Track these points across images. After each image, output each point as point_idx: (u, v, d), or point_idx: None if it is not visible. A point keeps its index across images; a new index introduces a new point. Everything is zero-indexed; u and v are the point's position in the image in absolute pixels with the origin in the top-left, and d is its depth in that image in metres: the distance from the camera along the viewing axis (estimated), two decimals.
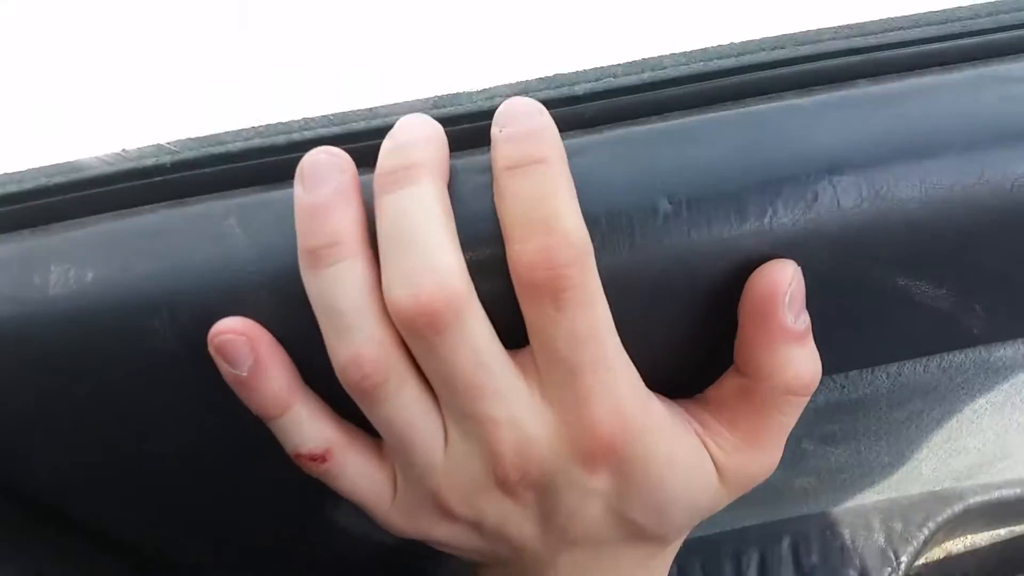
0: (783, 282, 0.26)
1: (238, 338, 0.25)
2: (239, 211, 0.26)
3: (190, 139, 0.28)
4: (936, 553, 0.57)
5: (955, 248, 0.27)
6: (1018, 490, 0.54)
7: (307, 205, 0.24)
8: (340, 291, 0.24)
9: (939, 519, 0.53)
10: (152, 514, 0.32)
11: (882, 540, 0.53)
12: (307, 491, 0.31)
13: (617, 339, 0.26)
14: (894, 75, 0.29)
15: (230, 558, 0.36)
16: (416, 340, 0.24)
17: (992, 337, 0.34)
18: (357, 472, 0.28)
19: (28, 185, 0.27)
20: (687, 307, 0.27)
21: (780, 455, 0.30)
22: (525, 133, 0.25)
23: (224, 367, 0.25)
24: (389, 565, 0.41)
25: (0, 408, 0.26)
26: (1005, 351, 0.37)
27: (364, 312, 0.24)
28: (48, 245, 0.26)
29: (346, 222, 0.25)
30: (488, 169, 0.25)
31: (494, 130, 0.26)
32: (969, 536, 0.58)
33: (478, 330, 0.25)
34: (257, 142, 0.28)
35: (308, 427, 0.27)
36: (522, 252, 0.24)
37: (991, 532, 0.58)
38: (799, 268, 0.26)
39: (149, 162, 0.27)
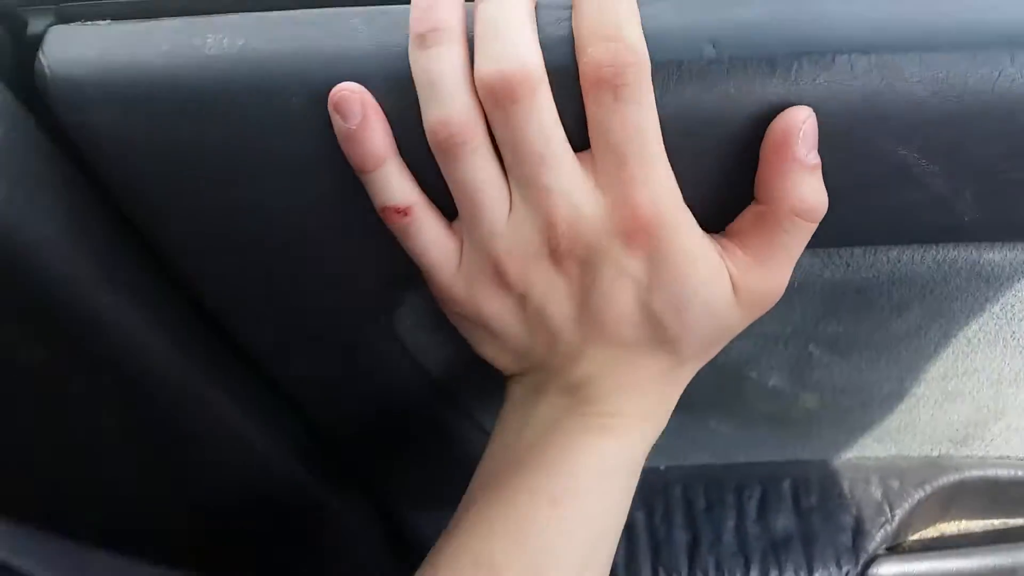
0: (800, 120, 0.31)
1: (352, 95, 0.30)
2: (365, 15, 0.32)
3: None
4: (930, 532, 0.60)
5: (946, 128, 0.32)
6: (1012, 471, 0.57)
7: (425, 4, 0.31)
8: (439, 67, 0.30)
9: (935, 484, 0.56)
10: (244, 275, 0.37)
11: (879, 494, 0.56)
12: (375, 295, 0.37)
13: (662, 144, 0.31)
14: None
15: (304, 346, 0.41)
16: (496, 109, 0.30)
17: (981, 235, 0.39)
18: (431, 234, 0.33)
19: None
20: (717, 144, 0.32)
21: (787, 279, 0.34)
22: None
23: (338, 122, 0.31)
24: (436, 399, 0.46)
25: (147, 148, 0.32)
26: (994, 255, 0.42)
27: (456, 84, 0.30)
28: (208, 21, 0.32)
29: (450, 14, 0.30)
30: (564, 7, 0.31)
31: None
32: (964, 520, 0.60)
33: (546, 109, 0.30)
34: None
35: (396, 183, 0.32)
36: (593, 54, 0.29)
37: (986, 521, 0.60)
38: (814, 113, 0.31)
39: None
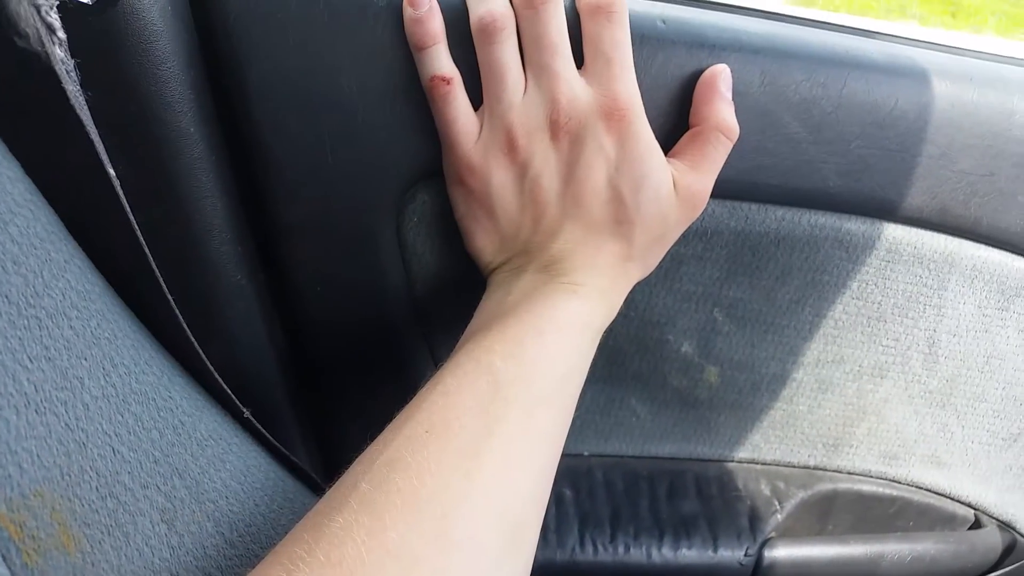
0: (720, 69, 0.46)
1: None
2: None
3: None
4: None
5: (816, 108, 0.48)
6: (875, 487, 0.67)
7: None
8: None
9: (814, 489, 0.65)
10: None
11: (768, 491, 0.64)
12: (397, 179, 0.46)
13: (631, 58, 0.44)
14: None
15: (318, 233, 0.48)
16: (527, 8, 0.42)
17: (843, 206, 0.53)
18: (462, 106, 0.44)
19: None
20: (663, 86, 0.46)
21: (711, 184, 0.47)
22: None
23: (408, 11, 0.42)
24: (412, 325, 0.52)
25: (267, 22, 0.41)
26: (852, 225, 0.55)
27: None
28: None
29: None
30: None
31: None
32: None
33: (562, 15, 0.43)
34: None
35: (444, 59, 0.43)
36: None
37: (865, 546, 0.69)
38: (728, 68, 0.46)
39: None
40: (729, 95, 0.46)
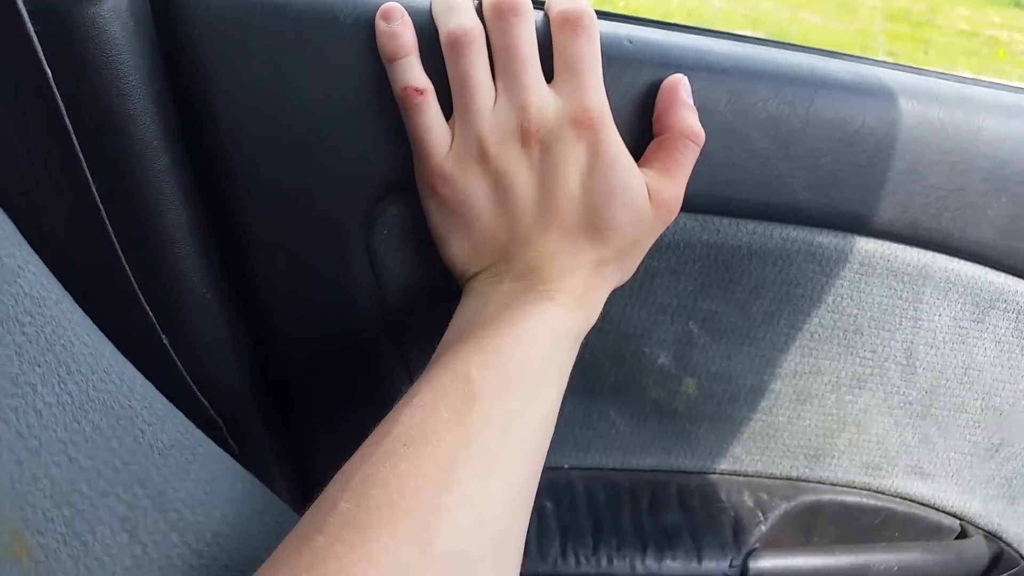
0: (680, 77, 0.47)
1: (396, 7, 0.44)
2: None
3: None
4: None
5: (784, 126, 0.49)
6: (858, 498, 0.67)
7: None
8: None
9: (797, 500, 0.66)
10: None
11: (751, 502, 0.64)
12: (366, 194, 0.47)
13: (600, 70, 0.45)
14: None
15: (289, 249, 0.49)
16: (499, 21, 0.44)
17: (813, 219, 0.54)
18: (435, 116, 0.45)
19: None
20: (630, 100, 0.47)
21: (683, 190, 0.48)
22: None
23: (381, 25, 0.44)
24: (382, 336, 0.53)
25: (235, 48, 0.43)
26: (823, 238, 0.56)
27: (468, 3, 0.45)
28: None
29: None
30: None
31: None
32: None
33: (532, 27, 0.44)
34: None
35: (416, 70, 0.45)
36: (560, 4, 0.45)
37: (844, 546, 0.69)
38: (687, 79, 0.47)
39: None
40: (691, 101, 0.47)
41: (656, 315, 0.57)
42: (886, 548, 0.68)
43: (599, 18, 0.45)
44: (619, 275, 0.48)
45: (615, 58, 0.46)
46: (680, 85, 0.47)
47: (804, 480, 0.66)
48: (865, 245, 0.56)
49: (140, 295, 0.34)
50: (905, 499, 0.68)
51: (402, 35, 0.44)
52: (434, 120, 0.45)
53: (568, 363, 0.45)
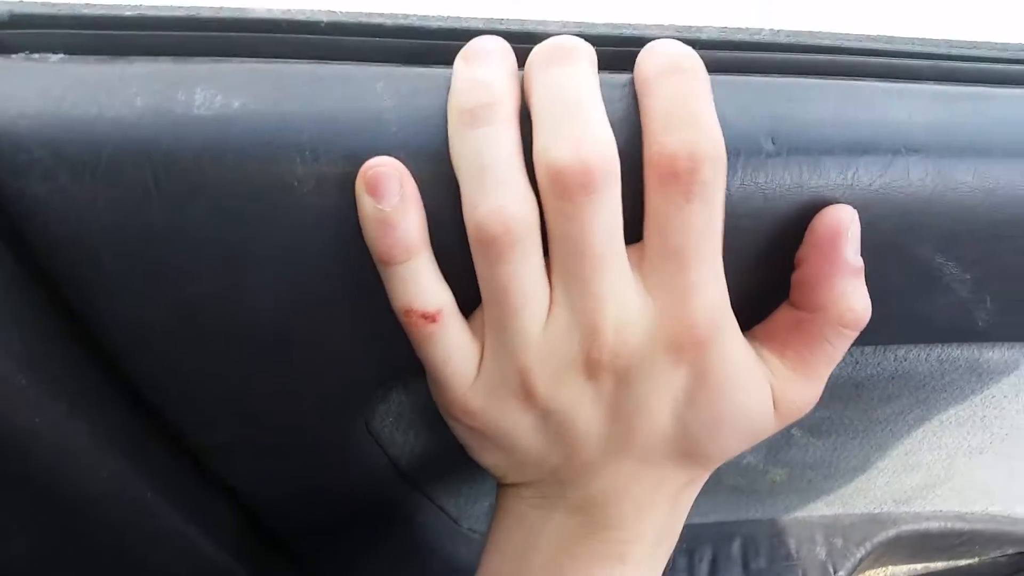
0: (848, 220, 0.28)
1: (391, 172, 0.25)
2: (387, 77, 0.27)
3: (346, 11, 0.29)
4: None
5: (988, 237, 0.30)
6: (943, 523, 0.58)
7: (470, 75, 0.26)
8: (492, 149, 0.25)
9: (875, 540, 0.56)
10: (217, 371, 0.30)
11: (823, 554, 0.55)
12: (358, 396, 0.31)
13: (721, 250, 0.27)
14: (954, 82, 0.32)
15: (259, 445, 0.35)
16: (561, 200, 0.25)
17: (990, 335, 0.37)
18: (455, 341, 0.29)
19: (178, 14, 0.27)
20: (760, 240, 0.29)
21: (822, 389, 0.31)
22: (675, 50, 0.27)
23: (367, 203, 0.25)
24: (398, 485, 0.41)
25: (107, 228, 0.25)
26: (993, 353, 0.40)
27: (512, 170, 0.26)
28: (196, 71, 0.26)
29: (504, 87, 0.26)
30: (624, 85, 0.27)
31: (644, 50, 0.27)
32: (890, 567, 0.61)
33: (615, 205, 0.26)
34: (410, 23, 0.28)
35: (426, 281, 0.27)
36: (666, 143, 0.25)
37: (909, 566, 0.61)
38: (856, 213, 0.28)
39: (303, 18, 0.28)
40: (859, 260, 0.29)
41: None
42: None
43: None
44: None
45: (750, 168, 0.28)
46: (841, 236, 0.28)
47: (885, 515, 0.57)
48: None
49: None
50: (995, 517, 0.59)
51: (400, 226, 0.26)
52: (454, 347, 0.29)
53: None
